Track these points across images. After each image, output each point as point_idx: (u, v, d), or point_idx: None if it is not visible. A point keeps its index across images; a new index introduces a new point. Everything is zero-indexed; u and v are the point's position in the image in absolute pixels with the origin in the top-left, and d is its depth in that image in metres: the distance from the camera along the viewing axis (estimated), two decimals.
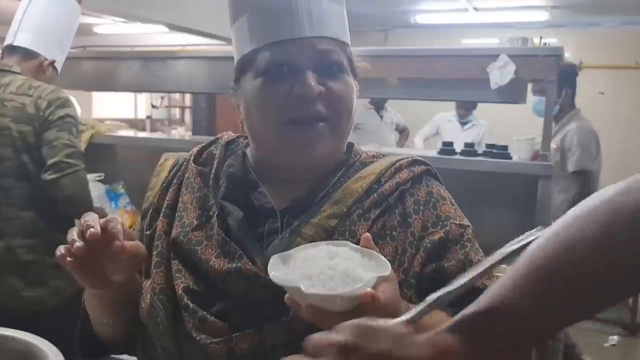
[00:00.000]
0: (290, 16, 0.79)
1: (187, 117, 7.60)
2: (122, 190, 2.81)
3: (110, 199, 2.71)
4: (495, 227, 2.37)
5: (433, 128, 4.77)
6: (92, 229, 0.69)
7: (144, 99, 7.91)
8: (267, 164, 0.87)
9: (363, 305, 0.62)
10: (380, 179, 0.84)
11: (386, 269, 0.66)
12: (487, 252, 0.93)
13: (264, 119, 0.82)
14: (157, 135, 3.77)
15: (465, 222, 0.86)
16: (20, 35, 2.00)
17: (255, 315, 0.75)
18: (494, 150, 2.26)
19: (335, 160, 0.87)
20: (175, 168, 0.91)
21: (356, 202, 0.81)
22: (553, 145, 2.70)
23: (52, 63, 2.05)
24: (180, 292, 0.78)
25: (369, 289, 0.61)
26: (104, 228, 0.71)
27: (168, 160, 0.94)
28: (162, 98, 7.25)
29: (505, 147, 2.27)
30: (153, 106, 7.26)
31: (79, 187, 1.87)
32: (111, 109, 7.77)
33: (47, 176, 1.82)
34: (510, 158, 2.21)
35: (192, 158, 0.90)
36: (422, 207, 0.84)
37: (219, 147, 0.92)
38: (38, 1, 2.05)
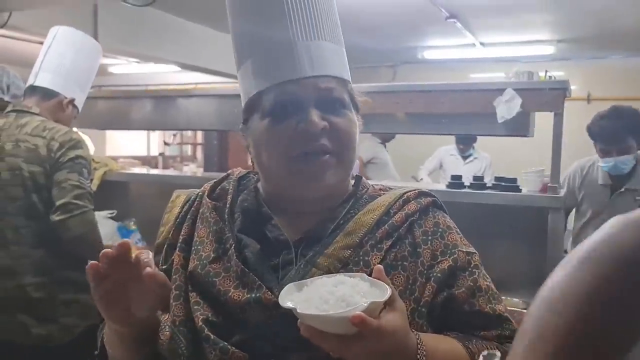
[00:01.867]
0: (291, 58, 0.83)
1: (199, 153, 7.71)
2: (133, 227, 2.83)
3: (122, 235, 2.73)
4: (505, 260, 2.36)
5: (436, 162, 4.80)
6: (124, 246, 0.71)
7: (156, 136, 8.04)
8: (278, 197, 0.90)
9: (363, 331, 0.65)
10: (389, 210, 0.88)
11: (383, 296, 0.68)
12: (499, 285, 0.94)
13: (273, 157, 0.85)
14: (168, 172, 3.82)
15: (472, 249, 0.90)
16: (41, 76, 2.08)
17: (275, 346, 0.77)
18: (503, 183, 2.26)
19: (343, 192, 0.91)
20: (188, 204, 0.94)
21: (368, 233, 0.84)
22: None
23: (71, 101, 2.12)
24: (200, 323, 0.79)
25: (358, 312, 0.64)
26: (136, 259, 0.72)
27: (180, 197, 0.97)
28: (175, 135, 7.34)
29: (514, 180, 2.27)
30: (166, 143, 7.35)
31: (86, 228, 1.88)
32: (124, 147, 7.90)
33: (55, 217, 1.86)
34: (520, 191, 2.21)
35: (206, 194, 0.93)
36: (430, 237, 0.87)
37: (231, 182, 0.95)
38: (58, 43, 2.13)
